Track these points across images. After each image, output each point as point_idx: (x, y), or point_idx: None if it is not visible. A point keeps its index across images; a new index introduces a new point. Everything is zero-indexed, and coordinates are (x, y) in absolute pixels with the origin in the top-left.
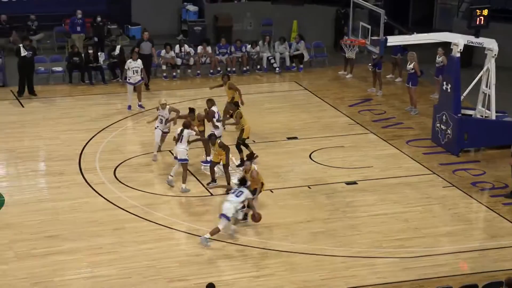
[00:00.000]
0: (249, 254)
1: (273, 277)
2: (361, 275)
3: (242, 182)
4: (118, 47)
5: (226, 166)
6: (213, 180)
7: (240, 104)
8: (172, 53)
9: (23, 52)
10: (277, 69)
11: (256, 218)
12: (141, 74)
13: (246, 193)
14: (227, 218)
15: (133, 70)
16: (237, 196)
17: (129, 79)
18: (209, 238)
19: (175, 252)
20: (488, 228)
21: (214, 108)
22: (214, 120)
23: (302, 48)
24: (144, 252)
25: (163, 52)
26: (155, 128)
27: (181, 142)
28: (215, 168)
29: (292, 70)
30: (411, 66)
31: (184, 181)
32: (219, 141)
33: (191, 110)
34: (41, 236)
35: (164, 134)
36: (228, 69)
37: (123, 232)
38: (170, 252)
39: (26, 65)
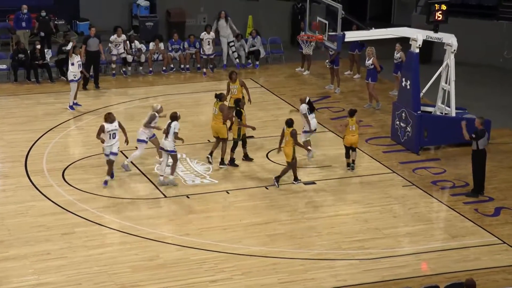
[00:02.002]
0: (204, 258)
1: (230, 281)
2: (320, 278)
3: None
4: (71, 43)
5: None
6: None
7: (248, 102)
8: (123, 37)
9: None
10: (237, 64)
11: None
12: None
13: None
14: None
15: (78, 64)
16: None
17: (75, 77)
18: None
19: (128, 256)
20: (449, 228)
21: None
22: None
23: (258, 44)
24: (95, 258)
25: (113, 37)
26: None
27: (169, 134)
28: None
29: (248, 67)
30: (370, 61)
31: (172, 173)
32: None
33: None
34: None
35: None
36: (182, 66)
37: (72, 237)
38: (122, 257)
39: None
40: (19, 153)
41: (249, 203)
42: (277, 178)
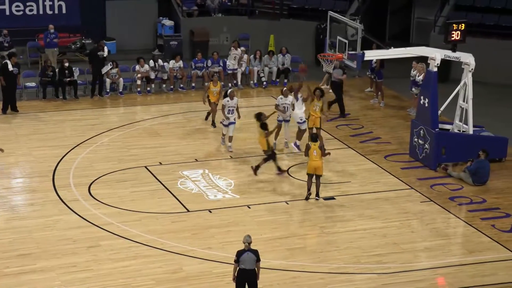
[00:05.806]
0: (226, 271)
1: None
2: None
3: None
4: (106, 48)
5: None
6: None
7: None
8: (146, 67)
9: (11, 68)
10: (264, 83)
11: None
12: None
13: None
14: None
15: (230, 110)
16: None
17: (222, 121)
18: None
19: (151, 269)
20: (466, 243)
21: None
22: None
23: (288, 62)
24: (120, 270)
25: (137, 66)
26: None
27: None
28: None
29: (275, 85)
30: (421, 77)
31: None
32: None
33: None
34: (14, 254)
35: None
36: (206, 83)
37: (97, 250)
38: (146, 269)
39: (12, 82)
40: (47, 168)
41: (270, 218)
42: (317, 196)
